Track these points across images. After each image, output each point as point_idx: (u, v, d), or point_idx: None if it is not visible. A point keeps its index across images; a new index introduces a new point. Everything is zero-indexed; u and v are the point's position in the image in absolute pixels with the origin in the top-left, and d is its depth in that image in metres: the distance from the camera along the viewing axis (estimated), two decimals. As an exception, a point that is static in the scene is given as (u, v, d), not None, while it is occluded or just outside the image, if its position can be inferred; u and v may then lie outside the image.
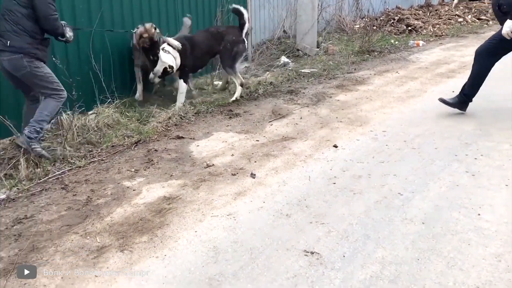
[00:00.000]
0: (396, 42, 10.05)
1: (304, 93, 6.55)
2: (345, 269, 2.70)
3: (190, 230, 3.17)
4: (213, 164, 4.23)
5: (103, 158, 4.42)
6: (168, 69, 5.66)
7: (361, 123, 5.23)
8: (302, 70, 7.77)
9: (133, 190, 3.77)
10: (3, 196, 3.64)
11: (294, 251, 2.89)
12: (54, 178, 4.00)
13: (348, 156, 4.35)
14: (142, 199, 3.62)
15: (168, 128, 5.21)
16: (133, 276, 2.69)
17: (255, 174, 4.00)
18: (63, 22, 4.45)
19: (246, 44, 6.46)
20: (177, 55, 5.75)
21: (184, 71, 5.97)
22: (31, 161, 4.17)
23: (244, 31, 6.33)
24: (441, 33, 11.42)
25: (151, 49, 5.73)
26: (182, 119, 5.49)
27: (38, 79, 4.22)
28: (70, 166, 4.22)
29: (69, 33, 4.44)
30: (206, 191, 3.73)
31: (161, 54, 5.61)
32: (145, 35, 5.60)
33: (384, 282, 2.59)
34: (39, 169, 4.07)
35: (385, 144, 4.61)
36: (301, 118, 5.48)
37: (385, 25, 11.60)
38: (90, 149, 4.57)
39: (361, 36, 9.66)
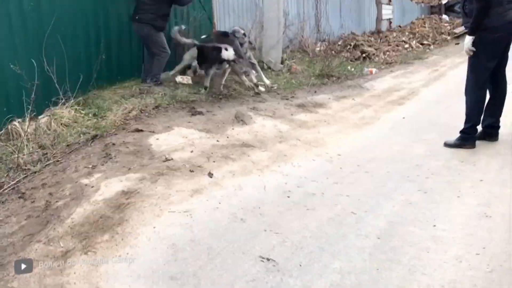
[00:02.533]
0: (353, 69, 10.40)
1: (267, 104, 6.66)
2: (303, 277, 2.77)
3: (149, 226, 3.19)
4: (172, 158, 4.25)
5: (59, 159, 4.30)
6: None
7: (317, 144, 5.35)
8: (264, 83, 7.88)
9: (91, 187, 3.72)
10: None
11: (250, 255, 2.96)
12: (10, 188, 3.84)
13: (303, 173, 4.43)
14: (100, 195, 3.59)
15: (127, 122, 5.16)
16: (100, 279, 2.69)
17: (212, 174, 4.05)
18: None
19: None
20: None
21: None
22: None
23: None
24: (391, 60, 12.07)
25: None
26: (141, 112, 5.45)
27: (151, 40, 6.50)
28: (25, 173, 4.05)
29: None
30: (163, 185, 3.76)
31: None
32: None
33: (347, 289, 2.66)
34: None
35: (339, 167, 4.71)
36: (262, 128, 5.58)
37: (343, 51, 12.08)
38: (45, 152, 4.42)
39: (322, 59, 9.96)
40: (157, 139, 4.72)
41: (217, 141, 4.87)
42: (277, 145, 5.12)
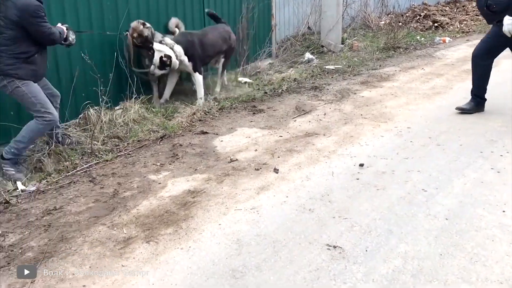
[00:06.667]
0: (422, 39, 9.92)
1: (328, 89, 6.55)
2: (367, 263, 2.72)
3: (214, 223, 3.22)
4: (237, 159, 4.27)
5: (130, 152, 4.50)
6: (164, 58, 5.46)
7: (385, 119, 5.21)
8: (327, 67, 7.75)
9: (159, 183, 3.85)
10: (33, 188, 3.76)
11: (316, 245, 2.92)
12: (82, 171, 4.10)
13: (372, 152, 4.34)
14: (167, 192, 3.69)
15: (193, 123, 5.28)
16: (159, 266, 2.76)
17: (278, 169, 4.03)
18: (65, 25, 4.29)
19: None
20: (177, 50, 5.64)
21: (195, 63, 5.84)
22: (60, 155, 4.29)
23: None
24: (468, 29, 11.22)
25: (145, 46, 5.53)
26: (206, 114, 5.54)
27: (20, 99, 4.06)
28: (98, 160, 4.31)
29: (71, 37, 4.28)
30: (229, 185, 3.78)
31: (155, 45, 5.49)
32: (135, 34, 5.41)
33: (406, 276, 2.60)
34: (67, 162, 4.18)
35: (409, 140, 4.59)
36: (324, 114, 5.49)
37: (411, 21, 11.47)
38: (117, 144, 4.67)
39: (387, 32, 9.58)
40: (222, 140, 4.78)
41: (280, 136, 4.84)
42: (342, 128, 5.00)
